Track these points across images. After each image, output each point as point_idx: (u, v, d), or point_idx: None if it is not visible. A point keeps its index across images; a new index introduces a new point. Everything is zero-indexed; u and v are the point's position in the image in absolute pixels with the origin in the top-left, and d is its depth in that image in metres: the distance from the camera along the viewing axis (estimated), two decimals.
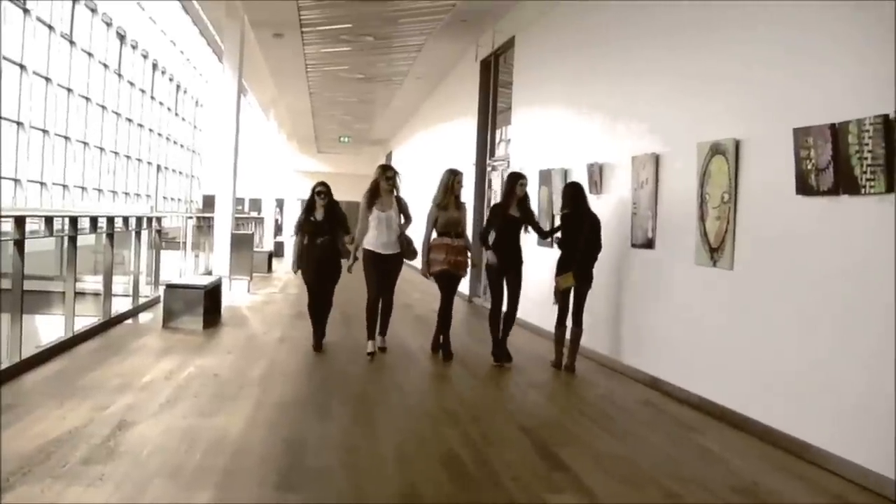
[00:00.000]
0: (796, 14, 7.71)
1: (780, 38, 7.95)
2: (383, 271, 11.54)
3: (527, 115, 16.34)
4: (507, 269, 11.16)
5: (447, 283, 11.62)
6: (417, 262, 11.87)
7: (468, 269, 11.95)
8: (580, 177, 12.40)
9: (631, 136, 11.15)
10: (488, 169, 19.39)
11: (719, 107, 9.03)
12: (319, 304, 11.93)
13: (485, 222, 11.90)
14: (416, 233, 11.60)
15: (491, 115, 19.90)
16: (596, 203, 11.40)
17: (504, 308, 11.23)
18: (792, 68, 7.71)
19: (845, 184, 6.87)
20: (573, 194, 11.01)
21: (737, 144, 8.55)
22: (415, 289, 18.42)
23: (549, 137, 14.67)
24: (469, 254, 11.76)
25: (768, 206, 8.06)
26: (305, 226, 11.77)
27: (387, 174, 11.67)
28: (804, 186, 7.36)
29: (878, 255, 6.57)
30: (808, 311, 7.40)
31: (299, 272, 11.99)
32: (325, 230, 11.70)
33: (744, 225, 8.46)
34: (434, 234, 11.58)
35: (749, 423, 8.09)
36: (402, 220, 11.61)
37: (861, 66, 6.83)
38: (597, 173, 12.03)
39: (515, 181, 11.34)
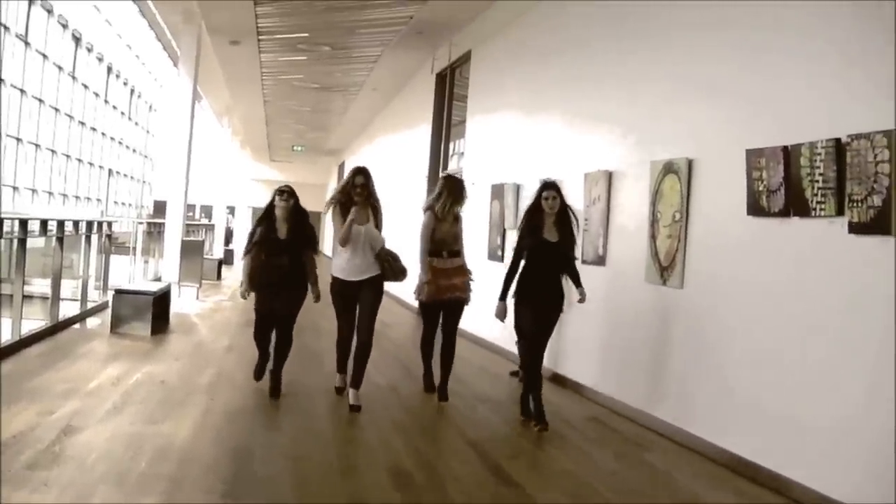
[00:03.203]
0: (750, 37, 7.80)
1: (734, 59, 8.03)
2: (354, 302, 9.32)
3: (481, 128, 16.38)
4: (541, 309, 8.88)
5: (434, 312, 10.12)
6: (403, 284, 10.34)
7: (470, 292, 10.11)
8: (533, 192, 12.41)
9: (584, 152, 11.21)
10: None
11: (672, 126, 9.11)
12: (279, 340, 9.58)
13: (514, 247, 9.26)
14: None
15: (445, 127, 19.94)
16: None
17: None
18: (745, 90, 7.79)
19: (796, 206, 6.95)
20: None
21: (689, 164, 8.62)
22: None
23: (503, 151, 14.71)
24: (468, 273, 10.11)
25: (719, 225, 8.13)
26: (264, 243, 9.39)
27: (355, 180, 9.28)
28: (755, 207, 7.43)
29: (828, 277, 6.66)
30: (756, 332, 7.47)
31: (251, 295, 9.55)
32: (288, 247, 9.38)
33: (694, 244, 8.53)
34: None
35: (695, 440, 8.15)
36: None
37: (814, 90, 6.91)
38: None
39: (540, 194, 9.01)
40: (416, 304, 10.78)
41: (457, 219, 10.15)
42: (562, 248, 8.90)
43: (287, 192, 9.45)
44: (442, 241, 9.96)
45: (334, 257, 9.37)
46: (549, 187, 8.95)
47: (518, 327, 9.09)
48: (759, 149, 7.38)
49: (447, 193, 10.09)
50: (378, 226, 9.33)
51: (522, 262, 8.95)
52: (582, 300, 8.99)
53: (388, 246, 9.37)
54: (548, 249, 8.84)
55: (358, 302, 9.31)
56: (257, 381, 9.74)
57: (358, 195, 9.22)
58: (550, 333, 9.04)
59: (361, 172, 9.40)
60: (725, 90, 8.13)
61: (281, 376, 9.58)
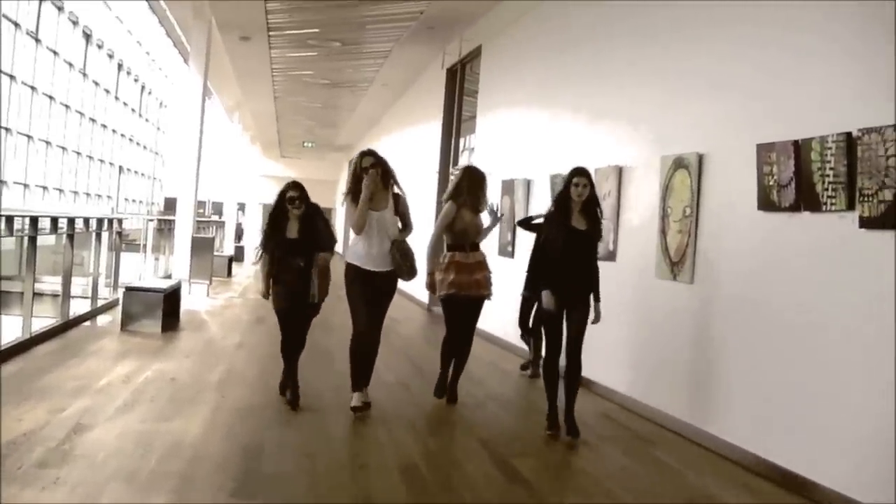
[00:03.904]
0: (761, 32, 7.76)
1: (744, 54, 7.99)
2: (372, 295, 8.67)
3: (491, 124, 16.35)
4: (571, 305, 8.27)
5: (457, 310, 9.42)
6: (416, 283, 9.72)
7: (491, 287, 9.51)
8: (543, 188, 12.41)
9: (594, 147, 11.16)
10: (451, 178, 19.36)
11: (683, 121, 9.08)
12: (294, 344, 9.12)
13: (541, 236, 8.68)
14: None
15: (455, 123, 19.91)
16: None
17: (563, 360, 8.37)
18: (756, 84, 7.76)
19: (807, 200, 6.91)
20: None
21: (700, 159, 8.59)
22: None
23: (513, 147, 14.69)
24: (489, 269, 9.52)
25: (730, 221, 8.10)
26: (277, 247, 8.88)
27: (363, 162, 8.63)
28: (766, 202, 7.40)
29: (838, 271, 6.63)
30: (765, 327, 7.44)
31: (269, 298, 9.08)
32: (302, 249, 8.83)
33: (705, 239, 8.50)
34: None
35: (707, 437, 8.11)
36: (400, 227, 8.79)
37: (825, 84, 6.88)
38: (560, 184, 12.01)
39: (570, 180, 8.32)
40: (425, 299, 10.69)
41: (479, 210, 9.48)
42: (590, 238, 8.27)
43: (297, 199, 8.82)
44: (464, 233, 9.33)
45: (351, 245, 8.75)
46: (581, 174, 8.25)
47: (536, 321, 8.71)
48: (769, 143, 7.34)
49: (468, 185, 9.47)
50: (399, 213, 8.74)
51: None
52: (596, 320, 8.39)
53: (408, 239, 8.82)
54: (577, 238, 8.19)
55: (372, 294, 8.66)
56: (284, 397, 9.11)
57: (367, 171, 8.57)
58: (584, 331, 8.24)
59: (370, 154, 8.77)
60: (736, 85, 8.10)
61: (297, 383, 9.09)
